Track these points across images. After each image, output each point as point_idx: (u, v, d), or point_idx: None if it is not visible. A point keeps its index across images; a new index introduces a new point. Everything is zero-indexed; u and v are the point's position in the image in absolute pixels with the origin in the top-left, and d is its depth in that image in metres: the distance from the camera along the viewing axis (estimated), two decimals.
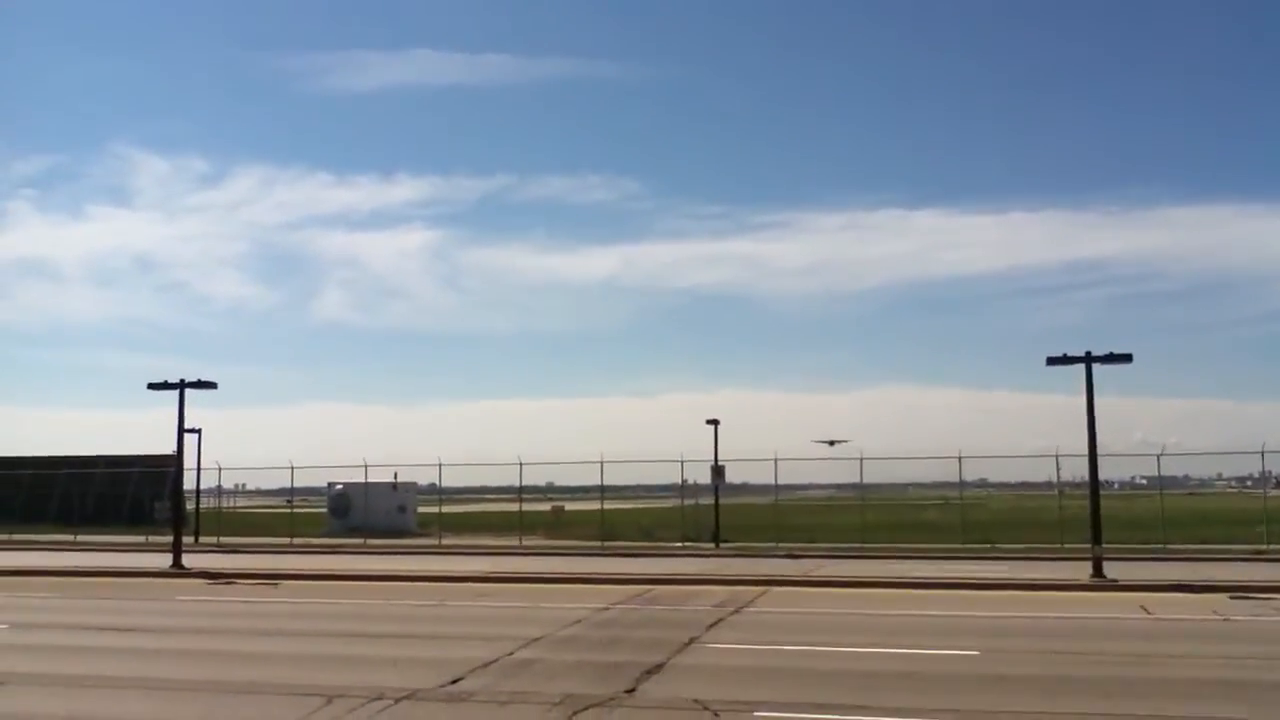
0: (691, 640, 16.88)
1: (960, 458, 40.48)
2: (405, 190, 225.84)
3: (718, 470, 42.28)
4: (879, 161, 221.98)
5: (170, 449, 36.28)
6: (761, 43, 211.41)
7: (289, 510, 54.76)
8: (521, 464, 44.92)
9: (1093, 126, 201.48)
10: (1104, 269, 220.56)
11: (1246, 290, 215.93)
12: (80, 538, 47.81)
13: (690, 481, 47.62)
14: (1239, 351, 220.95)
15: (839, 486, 74.55)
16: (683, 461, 43.89)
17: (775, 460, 42.37)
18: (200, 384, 32.67)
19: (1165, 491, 46.76)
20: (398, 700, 12.34)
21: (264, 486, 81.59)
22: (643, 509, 74.91)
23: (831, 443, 70.10)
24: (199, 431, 48.53)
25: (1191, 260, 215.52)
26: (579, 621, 19.39)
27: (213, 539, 47.18)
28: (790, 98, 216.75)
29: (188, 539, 42.54)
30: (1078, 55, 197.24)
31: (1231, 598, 22.53)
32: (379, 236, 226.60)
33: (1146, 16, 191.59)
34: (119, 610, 22.44)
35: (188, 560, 33.38)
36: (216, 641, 17.57)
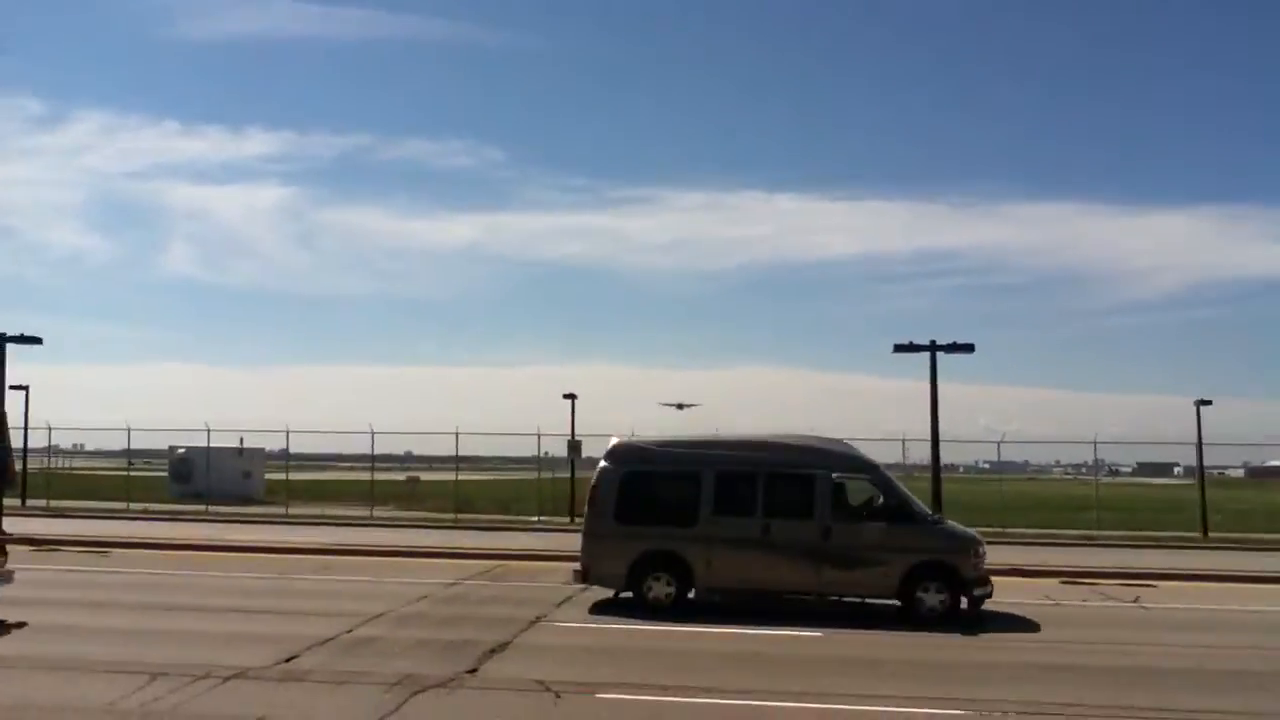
0: (539, 618, 16.66)
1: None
2: (258, 144, 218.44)
3: (574, 445, 42.10)
4: (741, 143, 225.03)
5: None
6: (630, 18, 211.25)
7: (127, 474, 52.33)
8: (373, 432, 43.91)
9: (946, 121, 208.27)
10: (952, 259, 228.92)
11: (1086, 286, 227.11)
12: None
13: (548, 455, 47.38)
14: (1078, 344, 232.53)
15: None
16: (539, 435, 43.60)
17: (631, 437, 42.33)
18: (23, 339, 30.85)
19: (1005, 477, 48.69)
20: (226, 679, 11.77)
21: (104, 448, 78.10)
22: (500, 481, 74.41)
23: (680, 405, 70.02)
24: (26, 388, 46.00)
25: (1035, 255, 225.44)
26: (425, 598, 18.95)
27: (42, 503, 44.78)
28: (656, 75, 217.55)
29: (14, 502, 40.26)
30: (933, 52, 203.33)
31: (1063, 582, 23.47)
32: (229, 191, 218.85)
33: (993, 18, 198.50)
34: None
35: (10, 525, 31.52)
36: (33, 614, 16.51)
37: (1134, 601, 20.53)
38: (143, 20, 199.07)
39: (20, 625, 15.25)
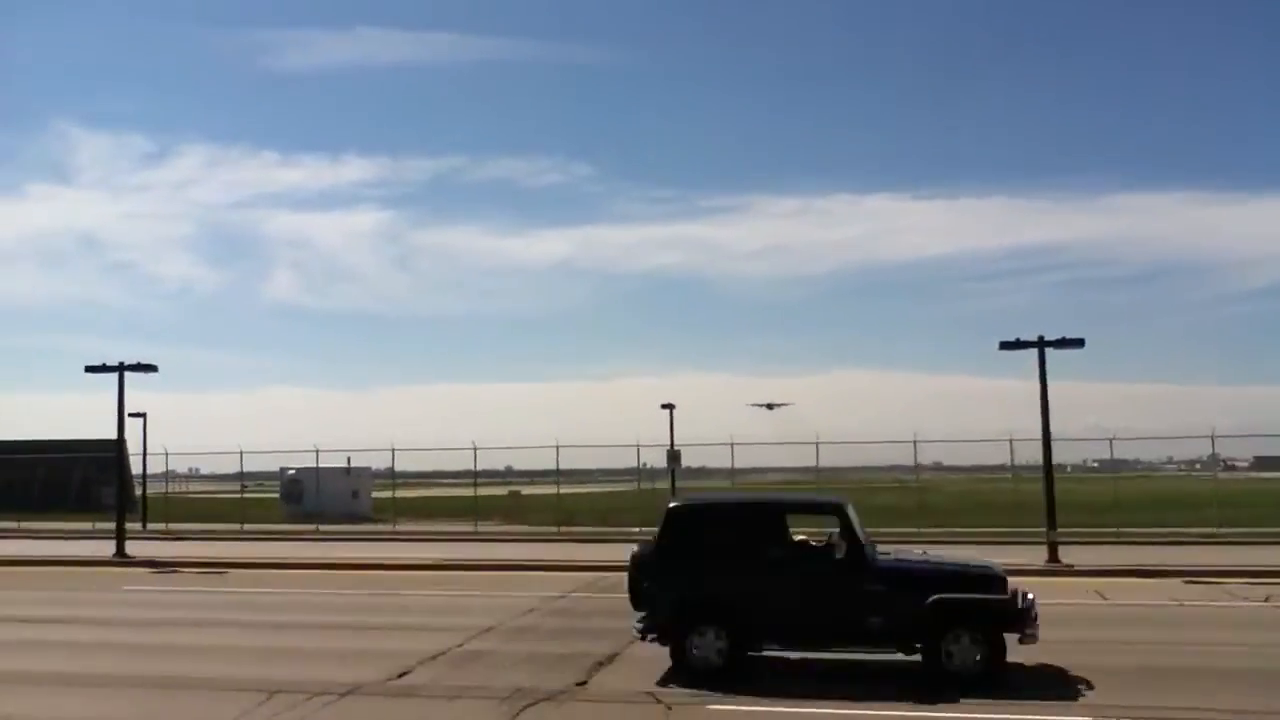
0: None
1: (915, 441, 40.55)
2: (354, 170, 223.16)
3: (674, 455, 42.06)
4: (830, 146, 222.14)
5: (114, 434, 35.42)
6: (714, 26, 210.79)
7: (240, 496, 53.82)
8: (476, 448, 44.44)
9: (1040, 112, 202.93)
10: (1053, 254, 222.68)
11: (1193, 276, 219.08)
12: (24, 525, 46.71)
13: (647, 465, 47.41)
14: (1187, 336, 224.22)
15: (795, 470, 74.62)
16: (639, 446, 43.65)
17: (731, 444, 42.19)
18: (140, 366, 31.88)
19: (1117, 475, 47.20)
20: (341, 695, 11.93)
21: (218, 471, 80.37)
22: (600, 493, 74.61)
23: (770, 405, 68.80)
24: (144, 416, 47.65)
25: (1139, 246, 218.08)
26: (532, 610, 19.03)
27: (161, 526, 46.28)
28: (741, 82, 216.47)
29: (135, 526, 41.70)
30: (1025, 41, 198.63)
31: (1185, 582, 22.60)
32: (328, 217, 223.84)
33: (1092, 5, 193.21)
34: (56, 601, 21.77)
35: (133, 548, 32.63)
36: (156, 634, 17.03)
37: (1265, 600, 19.66)
38: (239, 55, 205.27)
39: None
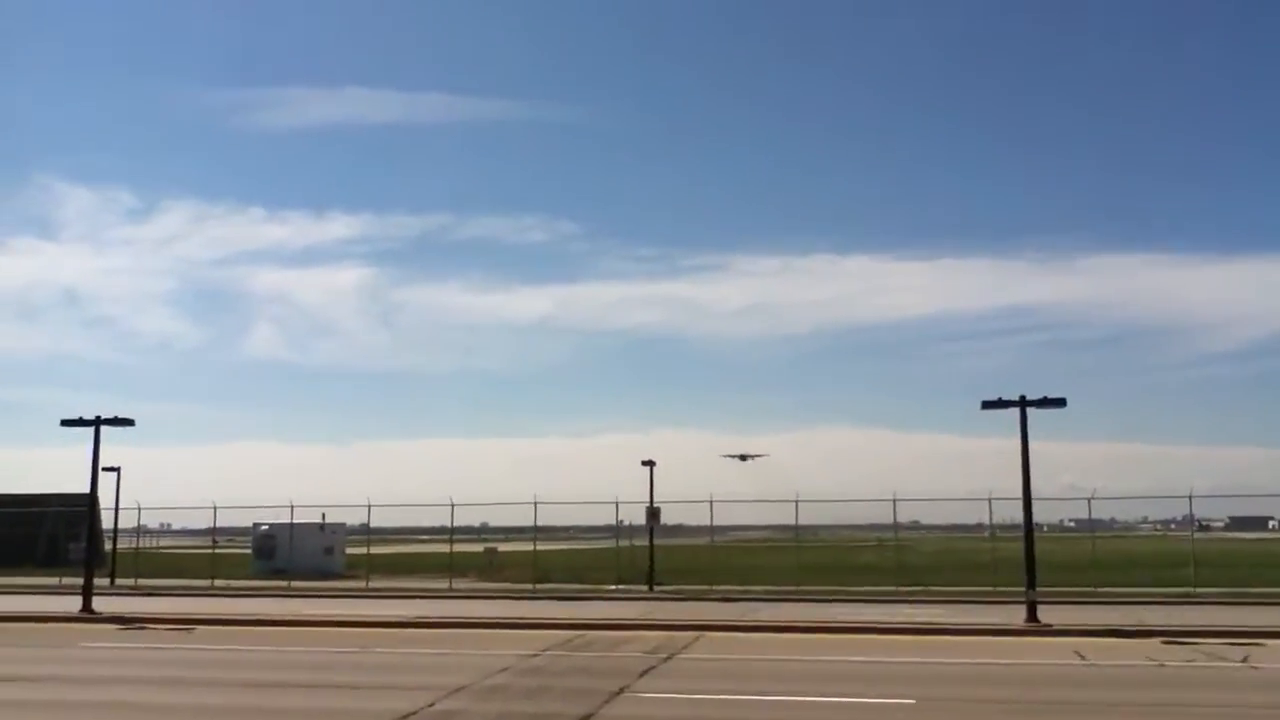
0: (622, 689, 16.30)
1: (895, 500, 40.45)
2: (339, 227, 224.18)
3: (653, 512, 41.75)
4: (811, 207, 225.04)
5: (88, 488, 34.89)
6: (697, 88, 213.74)
7: (212, 552, 53.03)
8: (453, 504, 44.03)
9: (1017, 177, 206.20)
10: (1030, 315, 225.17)
11: (1166, 337, 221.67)
12: None
13: (625, 523, 47.03)
14: (1162, 397, 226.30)
15: (774, 528, 74.26)
16: (618, 503, 43.38)
17: (710, 502, 41.96)
18: (117, 421, 31.51)
19: (1093, 535, 47.17)
20: None
21: (190, 526, 79.38)
22: (578, 550, 73.99)
23: (744, 457, 68.08)
24: (118, 470, 47.08)
25: (1114, 307, 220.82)
26: (506, 669, 18.71)
27: (130, 581, 45.51)
28: (723, 143, 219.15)
29: (103, 581, 40.97)
30: (1003, 106, 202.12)
31: (1164, 642, 22.46)
32: (312, 273, 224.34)
33: (1066, 72, 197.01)
34: (15, 659, 21.22)
35: (100, 604, 32.00)
36: (118, 692, 16.60)
37: (1243, 661, 19.54)
38: (229, 113, 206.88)
39: None
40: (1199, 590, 35.36)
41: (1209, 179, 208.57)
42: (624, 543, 48.30)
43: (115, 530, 49.30)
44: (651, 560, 41.50)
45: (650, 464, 41.48)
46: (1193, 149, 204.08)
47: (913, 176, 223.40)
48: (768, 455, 68.54)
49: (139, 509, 49.38)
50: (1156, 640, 22.80)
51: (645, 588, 40.12)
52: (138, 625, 28.11)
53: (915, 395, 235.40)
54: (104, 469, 35.63)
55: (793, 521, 43.85)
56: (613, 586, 41.66)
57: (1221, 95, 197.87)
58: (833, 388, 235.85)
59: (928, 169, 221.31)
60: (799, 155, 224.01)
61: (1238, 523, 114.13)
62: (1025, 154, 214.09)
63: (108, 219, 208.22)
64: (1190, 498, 39.80)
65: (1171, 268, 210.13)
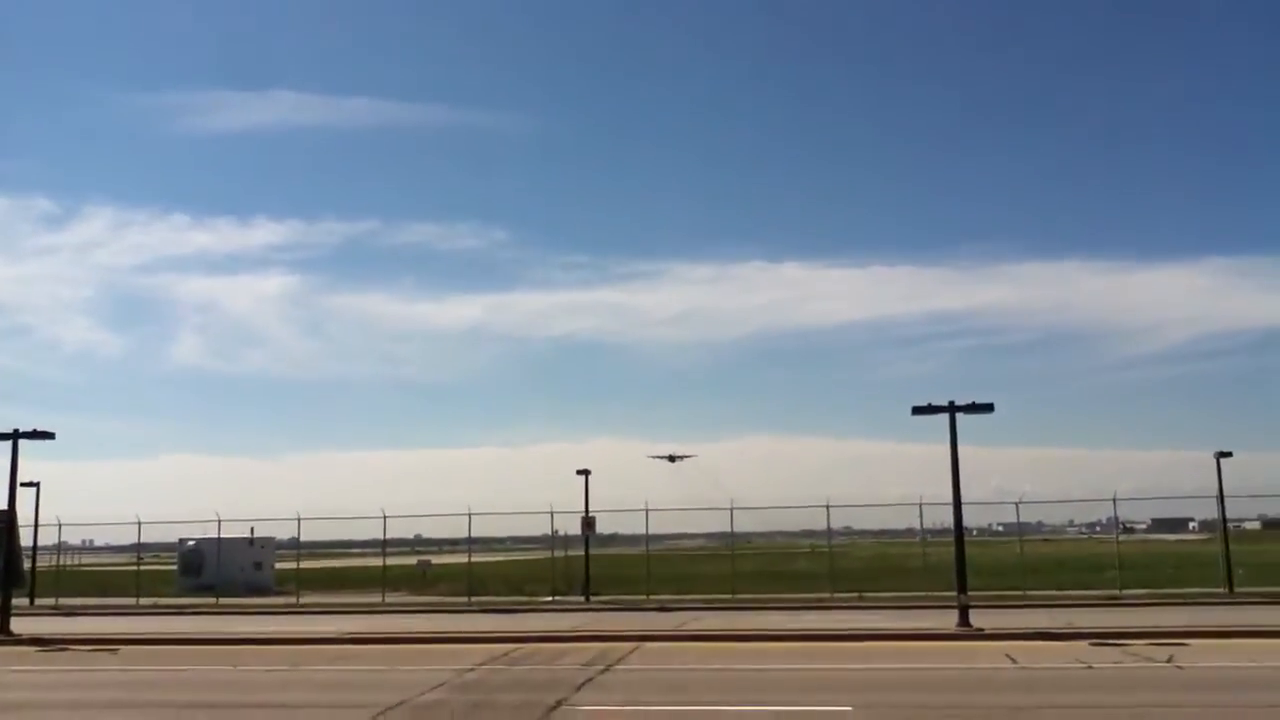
0: (559, 702, 16.15)
1: (829, 506, 40.73)
2: (265, 234, 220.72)
3: (588, 522, 41.61)
4: (743, 215, 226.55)
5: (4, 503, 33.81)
6: (626, 96, 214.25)
7: (137, 569, 51.71)
8: (385, 516, 43.43)
9: (944, 184, 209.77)
10: (957, 321, 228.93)
11: (1092, 343, 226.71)
12: None
13: (561, 533, 46.80)
14: (1086, 402, 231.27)
15: (710, 536, 74.52)
16: (552, 513, 43.14)
17: (646, 511, 41.93)
18: (36, 434, 30.58)
19: (1021, 538, 47.95)
20: None
21: (114, 543, 77.47)
22: (513, 561, 73.57)
23: (671, 457, 67.80)
24: (37, 485, 45.71)
25: (1040, 314, 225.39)
26: (441, 685, 18.44)
27: (51, 601, 44.22)
28: (656, 152, 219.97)
29: (22, 601, 39.73)
30: (928, 113, 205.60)
31: (1092, 645, 22.85)
32: (237, 281, 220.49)
33: (990, 79, 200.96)
34: None
35: (19, 625, 31.01)
36: (35, 717, 16.06)
37: (1168, 661, 19.94)
38: (151, 117, 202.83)
39: None
40: (1125, 592, 36.11)
41: (1131, 186, 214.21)
42: (560, 553, 48.04)
43: (35, 548, 47.82)
44: (587, 571, 41.34)
45: (585, 473, 41.34)
46: (1115, 157, 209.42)
47: (843, 184, 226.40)
48: (696, 456, 68.48)
49: (59, 525, 48.02)
50: (1085, 643, 23.19)
51: (582, 598, 39.94)
52: (58, 647, 27.28)
53: (848, 401, 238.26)
54: (22, 484, 34.53)
55: (728, 529, 43.98)
56: (549, 598, 41.41)
57: (1144, 104, 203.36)
58: (766, 394, 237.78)
59: (858, 177, 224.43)
60: (731, 163, 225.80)
61: (1160, 525, 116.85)
62: (953, 162, 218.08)
63: (24, 227, 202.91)
64: (1114, 500, 40.65)
65: (1095, 274, 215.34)
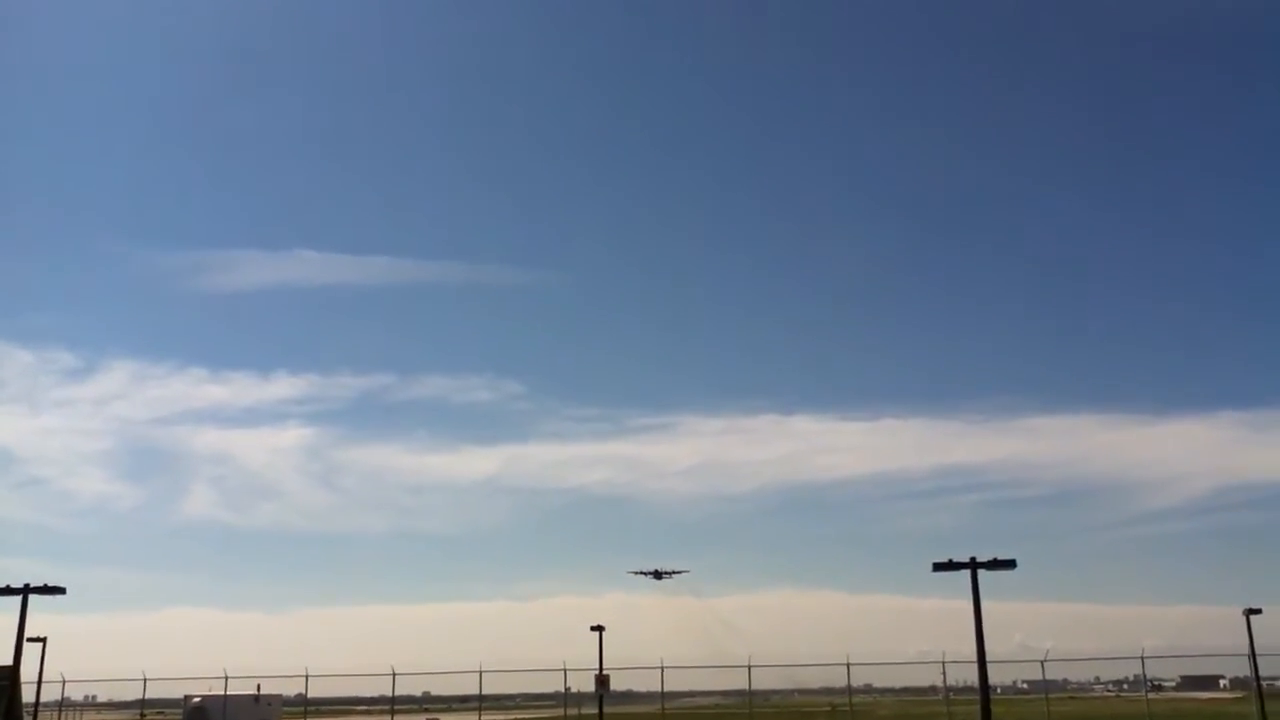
0: None
1: (849, 664, 39.85)
2: (283, 387, 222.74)
3: (602, 680, 40.73)
4: (755, 369, 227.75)
5: (10, 659, 33.32)
6: (641, 253, 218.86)
7: None
8: (395, 674, 42.64)
9: (956, 339, 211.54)
10: (973, 475, 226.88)
11: (1110, 496, 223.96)
12: None
13: (574, 690, 45.77)
14: (1107, 555, 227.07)
15: (727, 693, 72.62)
16: (565, 670, 42.29)
17: (661, 668, 41.09)
18: (46, 589, 30.38)
19: (1047, 696, 46.66)
20: None
21: (118, 698, 75.77)
22: None
23: (658, 574, 64.53)
24: (44, 640, 45.08)
25: (1056, 467, 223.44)
26: None
27: None
28: (669, 305, 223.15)
29: None
30: (939, 268, 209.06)
31: None
32: (253, 434, 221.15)
33: (1001, 233, 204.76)
34: None
35: None
36: None
37: None
38: (174, 273, 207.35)
39: None
40: None
41: (1143, 340, 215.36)
42: (572, 711, 46.90)
43: (36, 705, 46.86)
44: None
45: (599, 629, 40.68)
46: (1127, 311, 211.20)
47: (854, 338, 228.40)
48: (687, 571, 65.74)
49: (63, 681, 47.19)
50: None
51: None
52: None
53: (863, 555, 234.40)
54: (29, 640, 34.09)
55: (745, 686, 42.98)
56: None
57: (1158, 257, 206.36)
58: (781, 547, 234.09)
59: (870, 329, 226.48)
60: (743, 317, 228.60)
61: (1189, 682, 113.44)
62: (965, 315, 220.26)
63: (46, 380, 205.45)
64: (1142, 658, 39.74)
65: (1110, 428, 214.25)
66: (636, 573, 64.47)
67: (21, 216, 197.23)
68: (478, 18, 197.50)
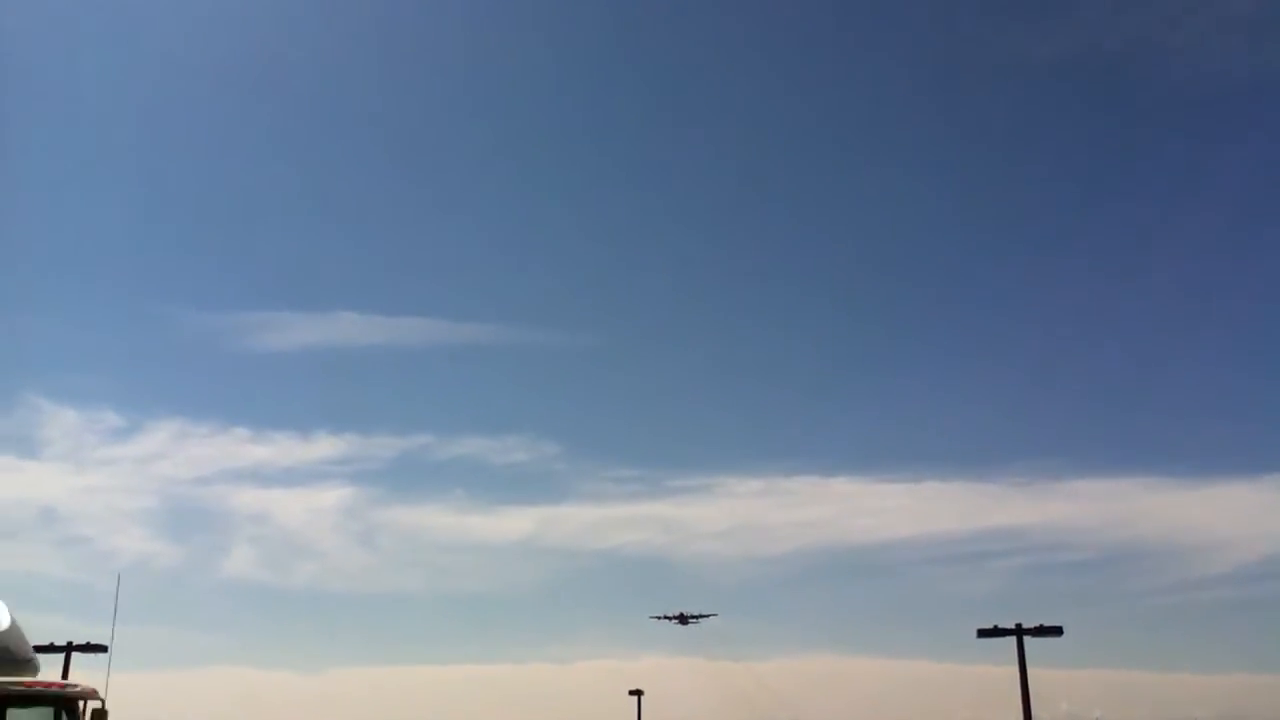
0: None
1: None
2: (323, 448, 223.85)
3: None
4: (795, 430, 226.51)
5: None
6: (679, 313, 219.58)
7: None
8: None
9: (1001, 399, 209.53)
10: (1016, 539, 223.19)
11: (1157, 561, 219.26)
12: None
13: None
14: (1155, 622, 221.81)
15: None
16: None
17: None
18: (89, 647, 30.62)
19: None
20: None
21: None
22: None
23: (683, 618, 61.37)
24: None
25: (1100, 531, 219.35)
26: None
27: None
28: (706, 367, 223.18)
29: None
30: (985, 330, 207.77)
31: None
32: (293, 494, 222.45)
33: (1044, 297, 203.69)
34: None
35: None
36: None
37: None
38: (218, 335, 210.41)
39: None
40: None
41: (1190, 403, 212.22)
42: None
43: None
44: None
45: (638, 693, 40.24)
46: (1172, 374, 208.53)
47: (895, 399, 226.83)
48: (715, 615, 62.67)
49: None
50: None
51: None
52: None
53: (906, 620, 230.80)
54: None
55: None
56: None
57: (1204, 318, 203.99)
58: (821, 611, 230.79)
59: (911, 391, 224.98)
60: (782, 377, 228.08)
61: None
62: (1008, 377, 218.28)
63: (91, 439, 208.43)
64: None
65: (1155, 491, 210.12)
66: (660, 617, 61.88)
67: (71, 280, 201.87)
68: (510, 88, 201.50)
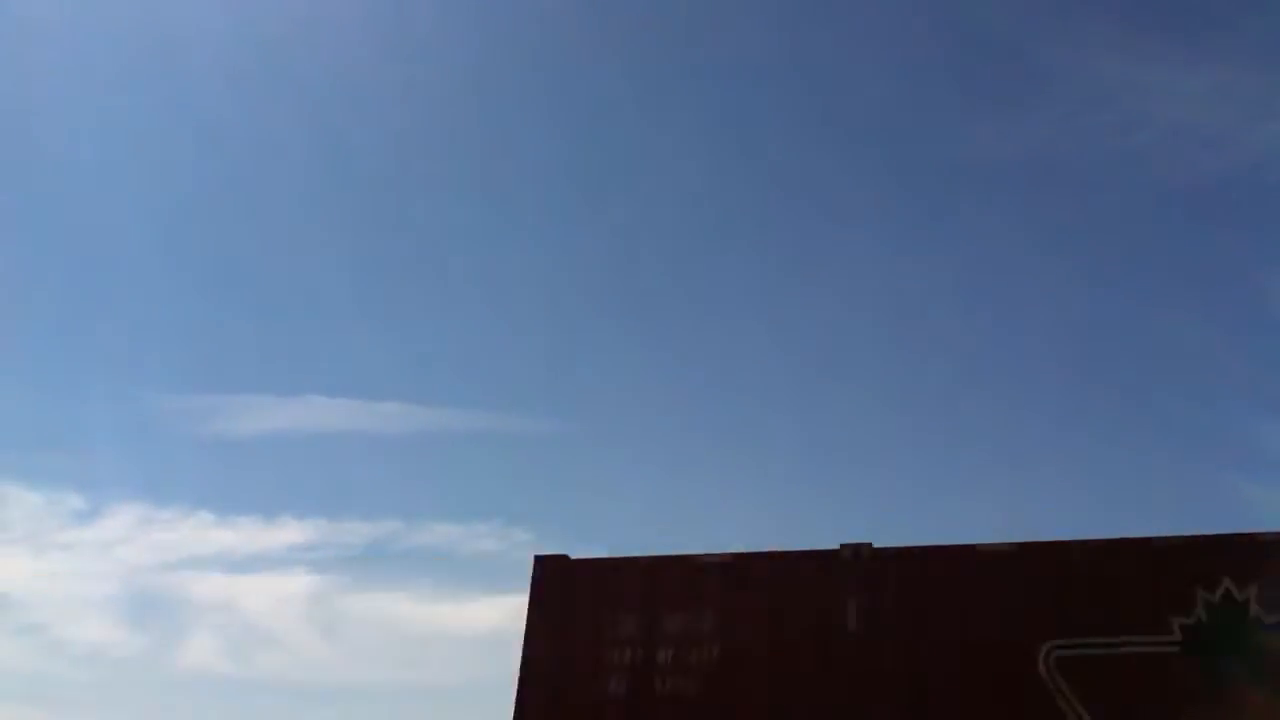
0: None
1: None
2: (289, 533, 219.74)
3: None
4: (768, 517, 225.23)
5: None
6: (655, 399, 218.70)
7: None
8: None
9: (1017, 496, 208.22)
10: None
11: None
12: None
13: None
14: None
15: None
16: None
17: None
18: None
19: None
20: None
21: None
22: None
23: None
24: None
25: None
26: None
27: None
28: (684, 452, 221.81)
29: None
30: (1003, 428, 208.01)
31: None
32: (257, 580, 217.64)
33: (1063, 398, 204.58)
34: None
35: None
36: None
37: None
38: (183, 417, 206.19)
39: None
40: None
41: (1207, 505, 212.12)
42: None
43: None
44: None
45: None
46: (1189, 477, 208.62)
47: (907, 495, 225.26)
48: None
49: None
50: None
51: None
52: None
53: None
54: None
55: None
56: None
57: (1221, 423, 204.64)
58: None
59: (924, 489, 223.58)
60: (758, 465, 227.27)
61: None
62: (1023, 477, 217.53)
63: (51, 523, 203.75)
64: None
65: None
66: None
67: (37, 357, 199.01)
68: (493, 158, 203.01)
